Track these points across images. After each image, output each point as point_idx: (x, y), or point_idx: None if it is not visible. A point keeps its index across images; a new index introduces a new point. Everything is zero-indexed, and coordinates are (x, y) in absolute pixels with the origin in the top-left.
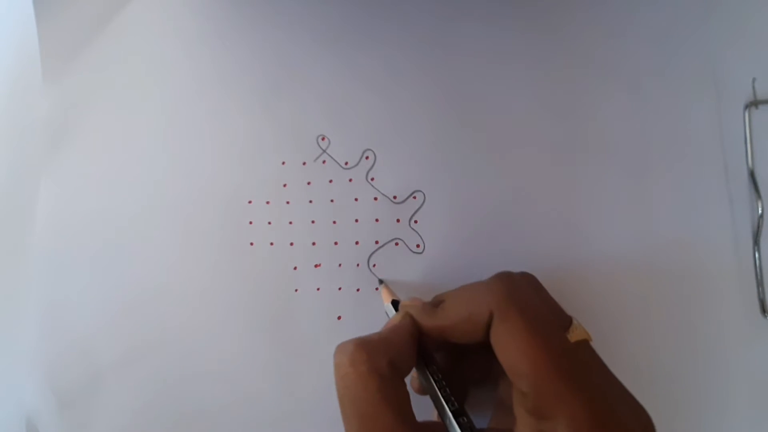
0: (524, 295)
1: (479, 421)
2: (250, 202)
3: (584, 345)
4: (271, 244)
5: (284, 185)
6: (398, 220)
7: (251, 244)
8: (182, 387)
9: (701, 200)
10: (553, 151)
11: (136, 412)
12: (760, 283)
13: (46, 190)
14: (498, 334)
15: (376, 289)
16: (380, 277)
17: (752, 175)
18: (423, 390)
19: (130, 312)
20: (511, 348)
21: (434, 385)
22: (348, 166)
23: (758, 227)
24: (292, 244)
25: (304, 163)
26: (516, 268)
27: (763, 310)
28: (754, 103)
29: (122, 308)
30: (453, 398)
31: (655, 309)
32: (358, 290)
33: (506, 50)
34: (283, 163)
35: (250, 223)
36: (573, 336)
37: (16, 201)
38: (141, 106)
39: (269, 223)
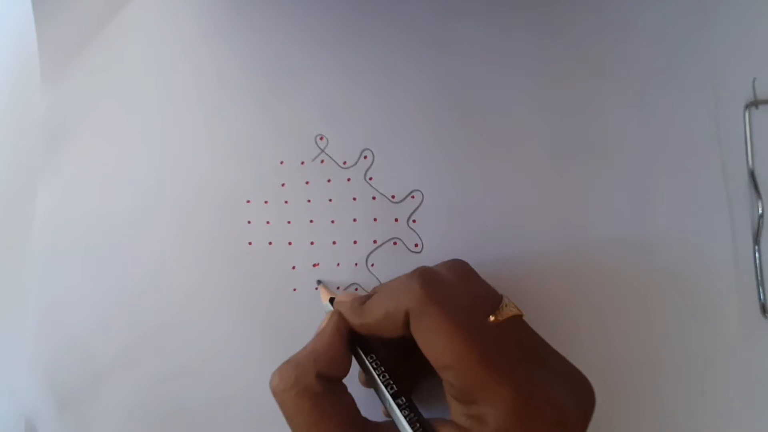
0: (441, 289)
1: (442, 413)
2: (248, 201)
3: (515, 321)
4: (270, 243)
5: (282, 185)
6: (396, 220)
7: (250, 243)
8: (181, 386)
9: (701, 200)
10: (552, 151)
11: (135, 411)
12: (760, 283)
13: (44, 190)
14: (417, 330)
15: (316, 288)
16: (319, 278)
17: (752, 175)
18: (368, 382)
19: (129, 312)
20: (430, 342)
21: (372, 372)
22: (346, 165)
23: (758, 227)
24: (290, 243)
25: (302, 163)
26: (514, 268)
27: (763, 310)
28: (754, 103)
29: (121, 308)
30: (392, 382)
31: (655, 309)
32: (356, 289)
33: (505, 51)
34: (282, 162)
35: (249, 222)
36: (503, 314)
37: (15, 201)
38: (139, 106)
39: (268, 222)
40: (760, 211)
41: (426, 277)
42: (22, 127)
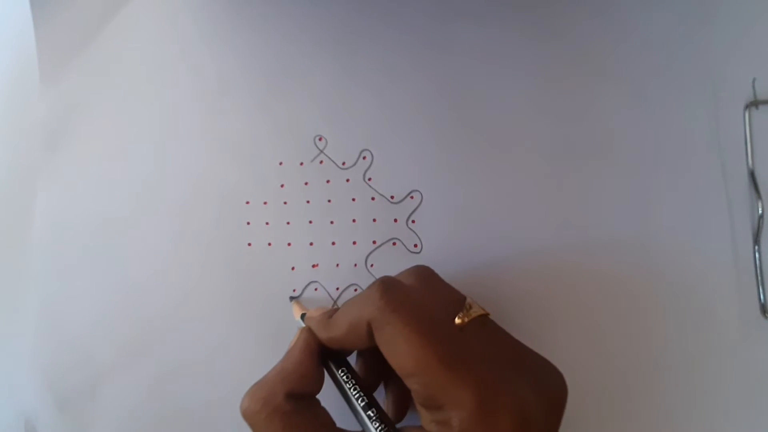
0: (401, 297)
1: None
2: (247, 202)
3: (482, 321)
4: (269, 244)
5: (282, 185)
6: (396, 220)
7: (249, 244)
8: (180, 386)
9: (701, 200)
10: (551, 151)
11: (134, 410)
12: (760, 283)
13: (43, 191)
14: (380, 341)
15: (291, 298)
16: (293, 295)
17: (752, 175)
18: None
19: (129, 312)
20: (392, 351)
21: (343, 385)
22: (345, 166)
23: (758, 227)
24: (289, 244)
25: (301, 164)
26: (514, 268)
27: (763, 310)
28: (754, 103)
29: (121, 308)
30: (363, 394)
31: (654, 309)
32: (355, 290)
33: (504, 51)
34: (281, 163)
35: (248, 223)
36: (469, 315)
37: (14, 202)
38: (138, 107)
39: (267, 223)
40: (760, 211)
41: (386, 286)
42: (22, 127)
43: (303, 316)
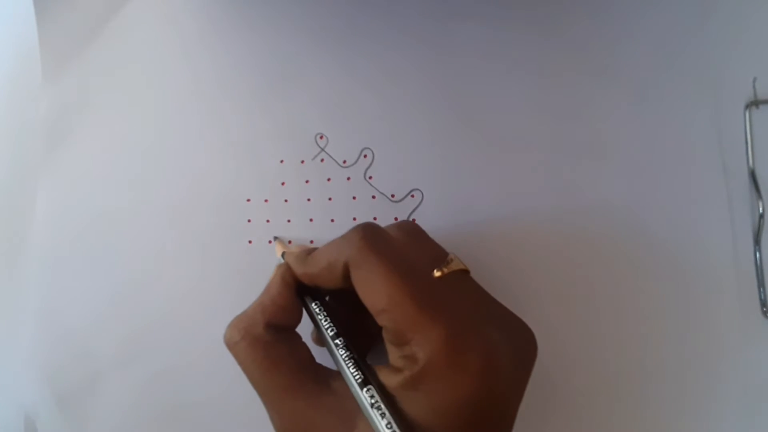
0: (381, 241)
1: None
2: (248, 200)
3: (461, 276)
4: (270, 242)
5: (282, 183)
6: (396, 219)
7: (250, 242)
8: (180, 383)
9: (701, 200)
10: (551, 151)
11: (135, 408)
12: (760, 283)
13: (44, 190)
14: (356, 280)
15: (270, 242)
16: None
17: (753, 175)
18: (319, 340)
19: (129, 309)
20: (367, 289)
21: (314, 316)
22: (346, 164)
23: (758, 227)
24: (290, 242)
25: (302, 162)
26: (514, 267)
27: (764, 310)
28: (754, 103)
29: (121, 306)
30: (333, 325)
31: (655, 308)
32: None
33: (504, 50)
34: (282, 161)
35: (249, 221)
36: (449, 268)
37: (15, 200)
38: (139, 105)
39: (268, 221)
40: (761, 211)
41: (367, 230)
42: (23, 125)
43: (284, 255)
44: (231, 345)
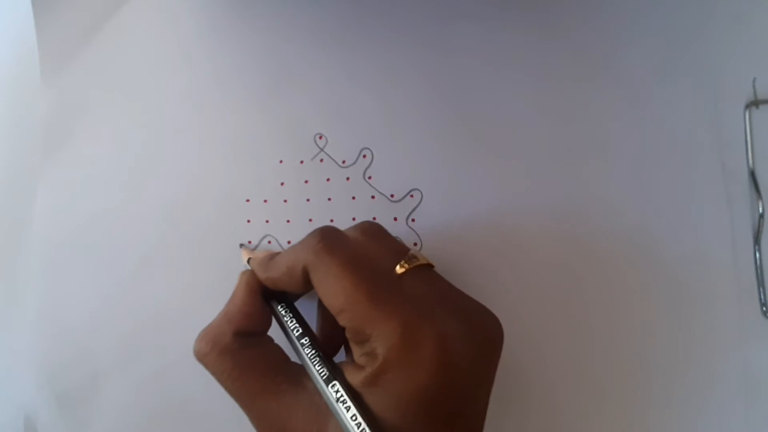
0: (337, 242)
1: None
2: (247, 200)
3: (424, 270)
4: (269, 242)
5: (282, 184)
6: (395, 219)
7: (249, 242)
8: (180, 382)
9: (701, 200)
10: (551, 151)
11: (135, 409)
12: (760, 283)
13: (43, 190)
14: (315, 283)
15: (241, 245)
16: (241, 242)
17: (752, 175)
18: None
19: (129, 309)
20: (325, 290)
21: (280, 318)
22: (345, 164)
23: (758, 227)
24: (289, 242)
25: (301, 162)
26: (514, 267)
27: (764, 310)
28: (754, 103)
29: (121, 306)
30: (299, 325)
31: (654, 309)
32: None
33: (504, 50)
34: (281, 161)
35: (248, 221)
36: (410, 263)
37: (14, 199)
38: (138, 105)
39: (267, 221)
40: (761, 211)
41: (324, 233)
42: (22, 125)
43: (249, 261)
44: (200, 357)
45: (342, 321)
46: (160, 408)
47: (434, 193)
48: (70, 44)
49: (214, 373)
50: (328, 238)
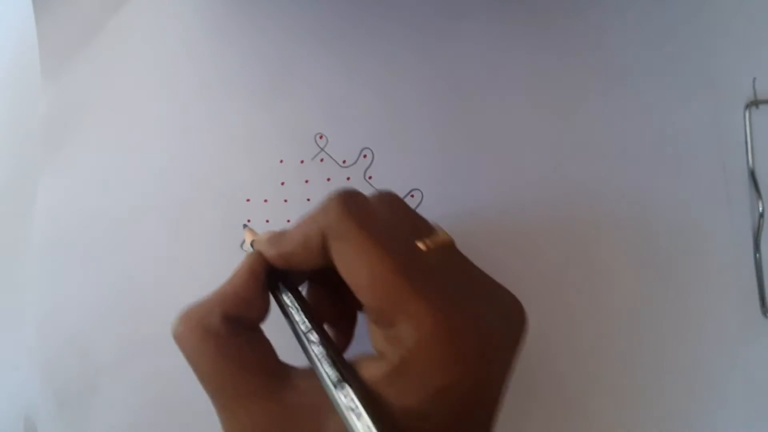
0: (362, 208)
1: None
2: (248, 200)
3: (446, 248)
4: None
5: (282, 183)
6: None
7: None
8: (181, 384)
9: (701, 200)
10: (551, 151)
11: (135, 409)
12: (760, 283)
13: (44, 189)
14: (336, 253)
15: (244, 226)
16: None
17: (752, 175)
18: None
19: (129, 310)
20: (348, 263)
21: (286, 308)
22: (346, 164)
23: (758, 227)
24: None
25: (302, 162)
26: (515, 267)
27: (764, 311)
28: (754, 103)
29: (121, 306)
30: (307, 318)
31: (654, 308)
32: None
33: (504, 50)
34: (281, 161)
35: (249, 221)
36: (434, 241)
37: (15, 199)
38: (139, 104)
39: (267, 221)
40: (761, 211)
41: (346, 196)
42: (23, 124)
43: (253, 243)
44: (179, 338)
45: (364, 298)
46: (160, 408)
47: (434, 193)
48: (71, 43)
49: (190, 356)
50: (351, 202)
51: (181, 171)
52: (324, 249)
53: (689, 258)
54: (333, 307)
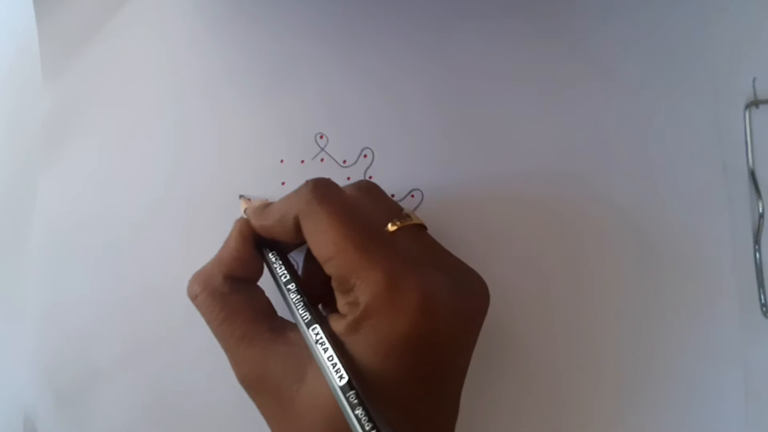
0: (330, 192)
1: None
2: (248, 200)
3: (416, 230)
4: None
5: (283, 183)
6: None
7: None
8: (181, 385)
9: (701, 200)
10: (551, 151)
11: (135, 409)
12: (760, 283)
13: (45, 189)
14: (306, 231)
15: (240, 196)
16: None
17: (752, 175)
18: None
19: (129, 310)
20: (315, 238)
21: (271, 265)
22: (346, 164)
23: (758, 227)
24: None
25: (302, 162)
26: (515, 267)
27: (764, 310)
28: (754, 103)
29: (121, 307)
30: (287, 273)
31: (654, 308)
32: None
33: (504, 50)
34: (282, 161)
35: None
36: (403, 222)
37: (15, 198)
38: (140, 104)
39: None
40: (761, 211)
41: (317, 183)
42: (24, 124)
43: (246, 211)
44: (193, 298)
45: (328, 269)
46: (160, 407)
47: (435, 193)
48: (71, 40)
49: (204, 314)
50: (320, 188)
51: (182, 171)
52: (297, 228)
53: (689, 258)
54: (326, 286)
